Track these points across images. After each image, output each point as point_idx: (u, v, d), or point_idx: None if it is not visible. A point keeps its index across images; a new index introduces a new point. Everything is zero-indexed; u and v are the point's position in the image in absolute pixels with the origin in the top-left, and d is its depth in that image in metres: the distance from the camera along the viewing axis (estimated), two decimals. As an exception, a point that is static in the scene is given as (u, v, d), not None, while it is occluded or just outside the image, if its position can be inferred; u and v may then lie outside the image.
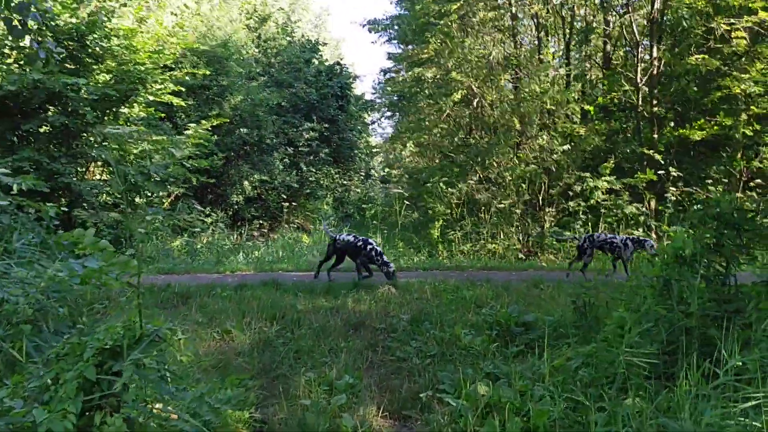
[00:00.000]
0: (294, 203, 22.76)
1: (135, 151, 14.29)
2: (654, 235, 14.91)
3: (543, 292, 9.17)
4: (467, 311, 8.09)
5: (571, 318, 7.06)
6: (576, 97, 15.49)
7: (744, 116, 13.83)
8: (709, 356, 4.79)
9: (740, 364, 4.54)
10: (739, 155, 15.35)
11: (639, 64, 15.06)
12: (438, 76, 17.64)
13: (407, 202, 17.32)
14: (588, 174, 14.40)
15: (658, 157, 14.22)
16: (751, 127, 13.96)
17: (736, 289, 6.08)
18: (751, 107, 13.78)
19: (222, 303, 8.49)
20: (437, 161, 17.95)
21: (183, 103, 16.31)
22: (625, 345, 5.05)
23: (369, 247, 10.04)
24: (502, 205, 14.64)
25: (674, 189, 14.08)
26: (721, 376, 4.53)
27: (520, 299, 8.69)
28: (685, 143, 15.95)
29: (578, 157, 15.02)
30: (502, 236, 14.96)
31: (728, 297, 5.83)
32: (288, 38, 26.86)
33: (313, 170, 23.96)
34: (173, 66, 16.31)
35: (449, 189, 15.53)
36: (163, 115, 16.03)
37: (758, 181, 14.89)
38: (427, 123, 17.72)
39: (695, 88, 15.73)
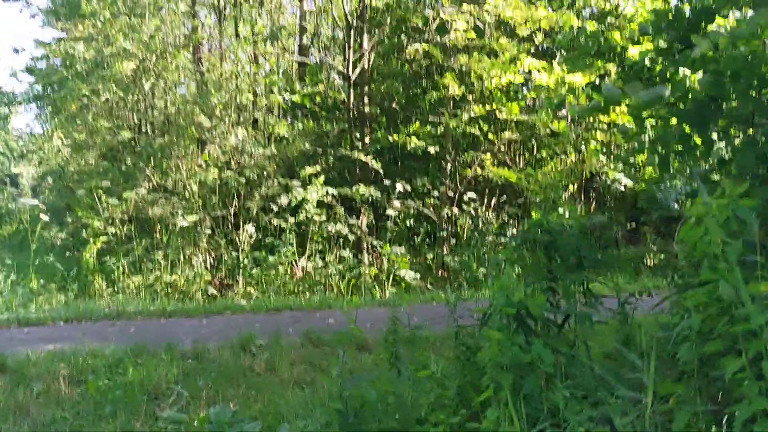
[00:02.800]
0: None
1: None
2: (366, 258, 12.97)
3: (257, 361, 6.15)
4: (134, 415, 4.72)
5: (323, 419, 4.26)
6: (279, 88, 12.83)
7: (465, 117, 12.59)
8: None
9: None
10: (449, 166, 14.27)
11: (350, 54, 13.01)
12: (98, 55, 13.59)
13: (44, 217, 12.83)
14: (297, 182, 11.80)
15: (376, 165, 12.26)
16: (476, 127, 12.80)
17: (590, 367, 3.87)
18: (474, 107, 12.61)
19: None
20: (93, 162, 13.76)
21: None
22: None
23: None
24: (186, 223, 11.25)
25: (397, 203, 12.26)
26: None
27: (224, 379, 5.57)
28: (395, 150, 14.47)
29: (283, 162, 12.37)
30: (182, 263, 11.55)
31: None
32: None
33: None
34: None
35: (111, 199, 11.63)
36: None
37: (471, 194, 13.90)
38: (77, 111, 13.46)
39: (402, 89, 14.34)
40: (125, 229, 11.90)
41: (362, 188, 11.94)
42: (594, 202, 16.05)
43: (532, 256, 4.15)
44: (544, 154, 16.35)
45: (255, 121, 13.38)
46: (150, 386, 5.33)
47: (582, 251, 3.99)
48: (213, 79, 13.23)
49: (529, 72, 12.29)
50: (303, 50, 16.35)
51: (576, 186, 15.60)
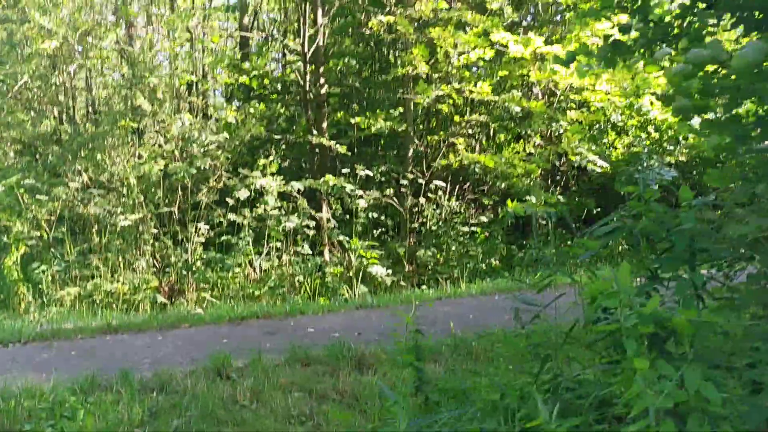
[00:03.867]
0: None
1: None
2: (327, 254, 11.91)
3: (239, 389, 5.02)
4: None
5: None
6: (225, 67, 11.59)
7: (432, 96, 11.65)
8: None
9: None
10: (410, 152, 13.31)
11: (306, 29, 11.84)
12: (12, 36, 12.07)
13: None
14: (257, 173, 10.61)
15: (341, 149, 11.21)
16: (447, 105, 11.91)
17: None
18: (443, 86, 11.70)
19: None
20: (13, 157, 12.19)
21: None
22: None
23: None
24: (128, 222, 9.91)
25: (365, 193, 11.22)
26: None
27: (203, 417, 4.46)
28: (352, 136, 13.43)
29: (236, 150, 11.14)
30: (124, 268, 10.20)
31: None
32: None
33: None
34: None
35: (36, 198, 10.18)
36: None
37: (439, 182, 12.99)
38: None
39: (361, 68, 13.31)
40: (53, 231, 10.44)
41: (331, 179, 10.79)
42: (560, 187, 15.38)
43: (632, 249, 3.22)
44: (502, 137, 15.65)
45: (197, 106, 12.11)
46: (109, 433, 4.16)
47: (697, 241, 3.07)
48: (147, 59, 11.84)
49: (504, 46, 11.43)
50: (244, 30, 15.14)
51: (540, 170, 14.93)
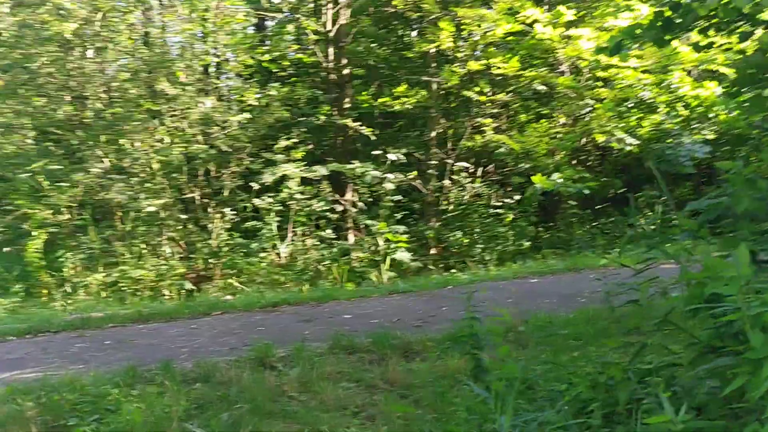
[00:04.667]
0: None
1: None
2: (351, 238, 11.72)
3: (284, 379, 4.82)
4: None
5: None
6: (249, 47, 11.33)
7: (456, 74, 11.38)
8: None
9: None
10: (434, 133, 13.02)
11: (329, 8, 11.57)
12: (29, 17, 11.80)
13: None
14: (281, 156, 10.40)
15: (367, 131, 10.97)
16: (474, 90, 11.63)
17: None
18: (470, 63, 11.41)
19: None
20: (33, 142, 12.00)
21: None
22: None
23: None
24: (152, 207, 9.71)
25: (392, 176, 10.97)
26: None
27: (253, 410, 4.29)
28: (373, 117, 13.17)
29: (257, 132, 10.89)
30: (148, 255, 10.00)
31: None
32: None
33: None
34: None
35: (59, 184, 10.00)
36: None
37: (463, 164, 12.75)
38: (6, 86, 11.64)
39: (384, 47, 13.03)
40: (76, 217, 10.26)
41: (358, 166, 10.57)
42: (584, 167, 15.02)
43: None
44: (524, 117, 15.30)
45: (217, 88, 11.87)
46: (156, 427, 3.97)
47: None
48: (166, 41, 11.59)
49: (531, 24, 11.11)
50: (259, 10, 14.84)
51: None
